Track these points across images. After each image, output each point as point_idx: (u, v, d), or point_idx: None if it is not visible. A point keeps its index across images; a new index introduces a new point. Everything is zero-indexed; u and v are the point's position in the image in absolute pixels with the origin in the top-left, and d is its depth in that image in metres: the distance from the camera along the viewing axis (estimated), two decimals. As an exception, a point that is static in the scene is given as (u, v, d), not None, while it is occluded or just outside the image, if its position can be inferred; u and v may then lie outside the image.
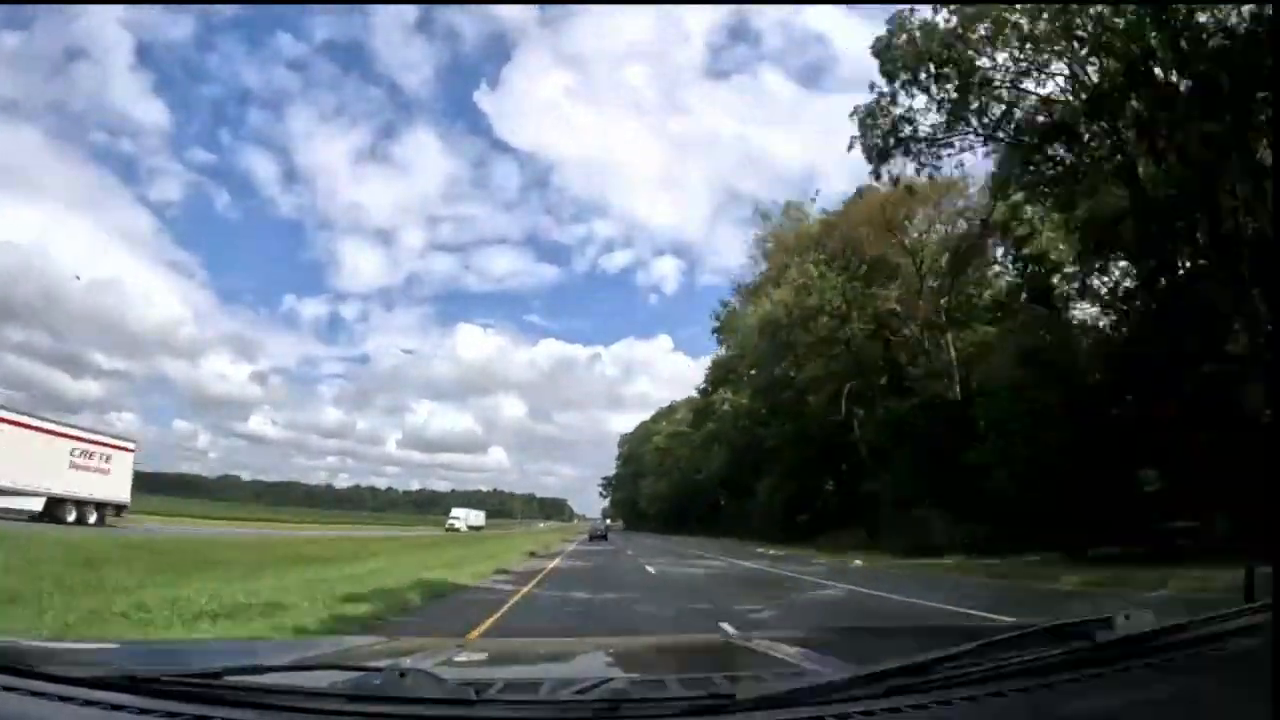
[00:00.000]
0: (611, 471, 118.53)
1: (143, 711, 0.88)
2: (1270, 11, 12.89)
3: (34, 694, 0.92)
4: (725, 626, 6.57)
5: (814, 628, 3.08)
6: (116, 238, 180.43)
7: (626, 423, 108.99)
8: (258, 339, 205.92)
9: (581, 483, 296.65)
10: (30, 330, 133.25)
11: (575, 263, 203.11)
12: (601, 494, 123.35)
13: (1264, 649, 0.99)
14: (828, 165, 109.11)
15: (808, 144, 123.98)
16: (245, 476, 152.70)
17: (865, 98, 20.57)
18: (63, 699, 0.92)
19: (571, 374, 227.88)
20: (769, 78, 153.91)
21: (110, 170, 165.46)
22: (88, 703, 0.91)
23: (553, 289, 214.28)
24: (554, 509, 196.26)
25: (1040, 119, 18.22)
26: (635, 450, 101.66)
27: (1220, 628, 1.07)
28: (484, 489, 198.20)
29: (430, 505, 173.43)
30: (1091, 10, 16.05)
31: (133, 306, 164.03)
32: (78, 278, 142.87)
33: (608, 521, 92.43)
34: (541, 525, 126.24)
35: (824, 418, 33.06)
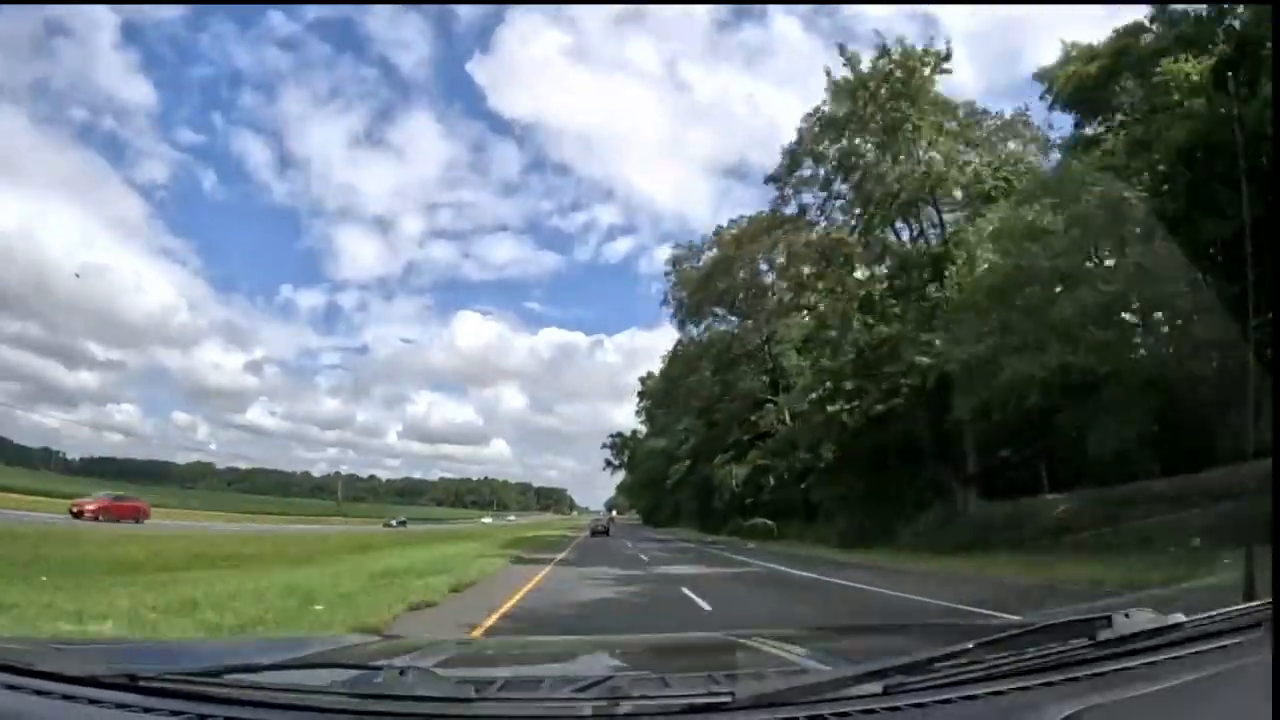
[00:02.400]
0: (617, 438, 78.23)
1: (145, 710, 0.93)
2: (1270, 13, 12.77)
3: (37, 693, 0.97)
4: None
5: (813, 626, 3.15)
6: (107, 224, 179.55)
7: (630, 417, 79.04)
8: (254, 328, 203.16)
9: (584, 476, 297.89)
10: (21, 320, 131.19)
11: (577, 250, 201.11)
12: (610, 463, 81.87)
13: (1264, 648, 1.02)
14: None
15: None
16: (219, 465, 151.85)
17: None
18: (66, 698, 0.96)
19: (573, 363, 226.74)
20: (781, 28, 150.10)
21: (98, 154, 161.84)
22: (91, 701, 0.96)
23: (554, 276, 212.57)
24: (552, 500, 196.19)
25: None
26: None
27: (1220, 626, 1.11)
28: (474, 479, 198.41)
29: (414, 494, 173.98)
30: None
31: (125, 295, 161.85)
32: (77, 275, 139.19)
33: (613, 513, 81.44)
34: (490, 519, 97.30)
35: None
